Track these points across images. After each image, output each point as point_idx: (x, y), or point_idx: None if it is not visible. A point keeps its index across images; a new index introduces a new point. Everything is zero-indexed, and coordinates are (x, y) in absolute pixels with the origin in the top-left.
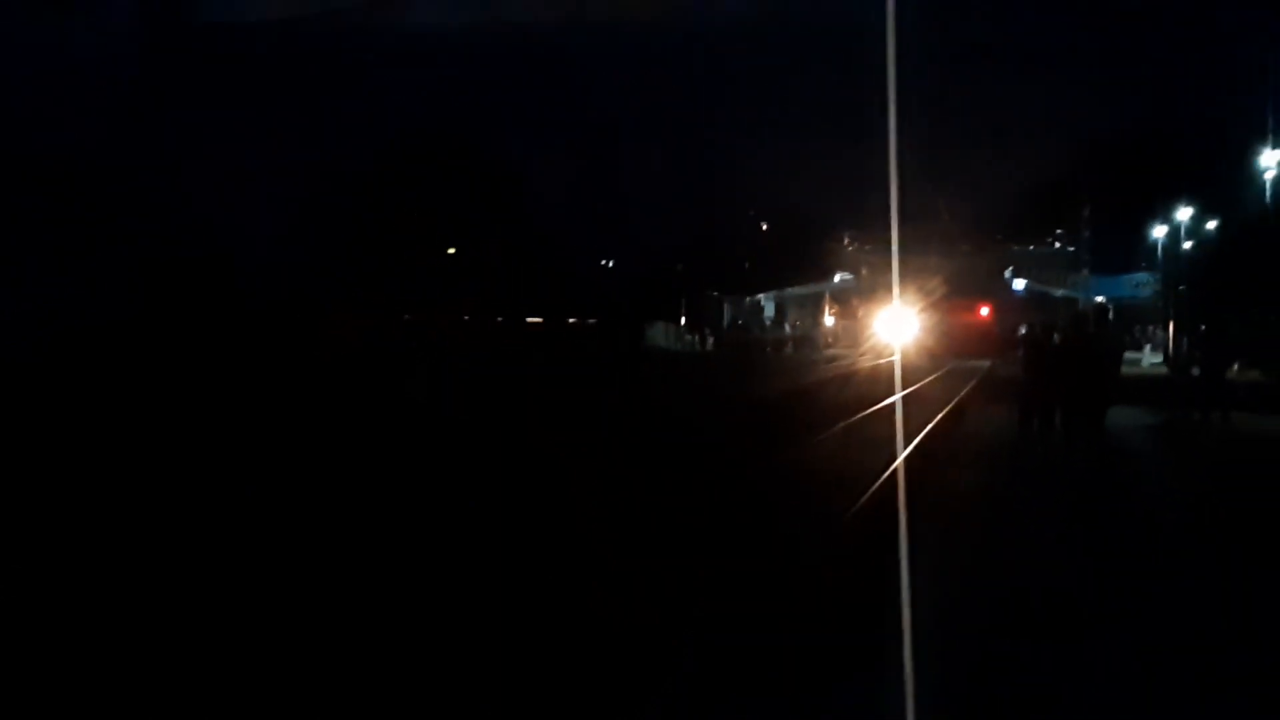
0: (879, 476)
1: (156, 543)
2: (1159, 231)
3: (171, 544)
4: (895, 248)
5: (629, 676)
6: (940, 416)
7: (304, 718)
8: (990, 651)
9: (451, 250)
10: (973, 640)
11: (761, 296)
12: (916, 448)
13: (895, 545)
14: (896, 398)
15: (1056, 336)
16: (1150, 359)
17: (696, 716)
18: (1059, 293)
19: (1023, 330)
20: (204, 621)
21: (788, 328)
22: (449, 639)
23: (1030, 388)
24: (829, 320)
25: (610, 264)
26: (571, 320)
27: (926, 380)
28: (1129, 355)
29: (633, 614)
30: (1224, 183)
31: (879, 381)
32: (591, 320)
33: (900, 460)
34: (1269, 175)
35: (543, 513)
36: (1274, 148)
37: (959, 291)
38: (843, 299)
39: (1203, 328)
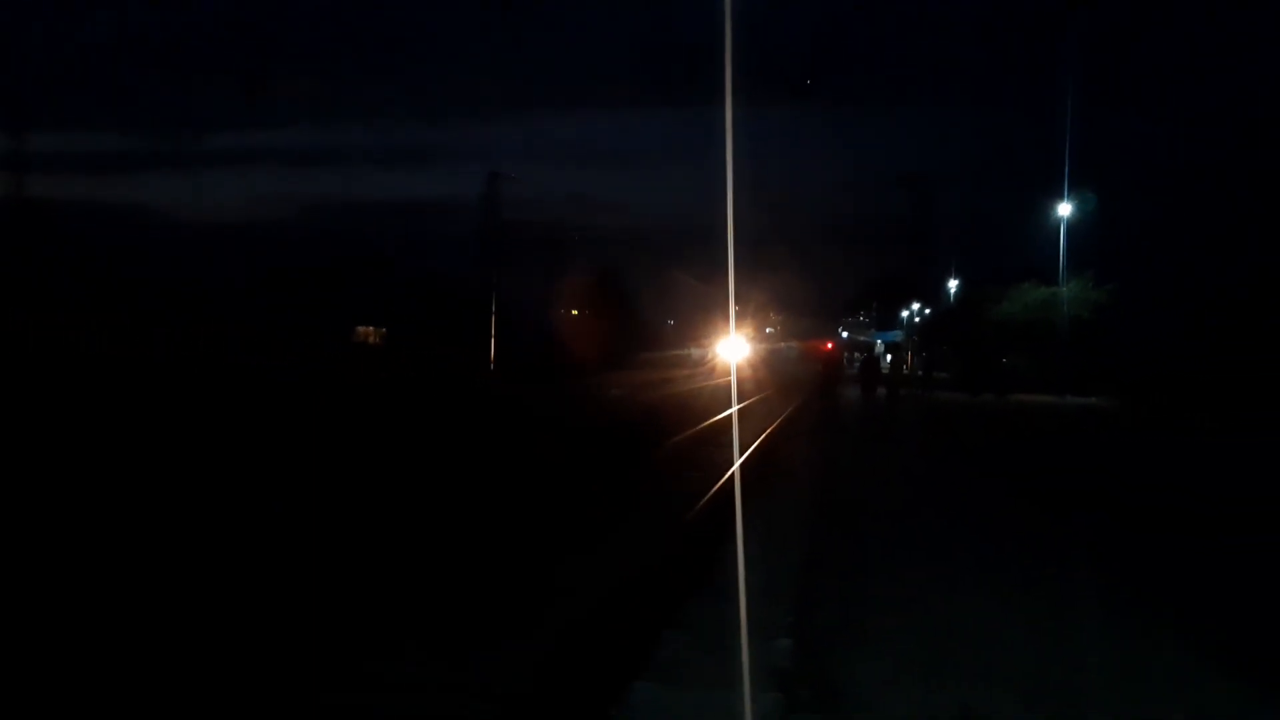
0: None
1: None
2: (905, 313)
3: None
4: (733, 325)
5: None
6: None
7: None
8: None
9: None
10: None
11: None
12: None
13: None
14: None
15: (866, 356)
16: None
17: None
18: (862, 338)
19: (859, 354)
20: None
21: None
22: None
23: (863, 377)
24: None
25: (671, 323)
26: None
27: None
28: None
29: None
30: (933, 294)
31: (786, 364)
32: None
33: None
34: (952, 291)
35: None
36: (953, 280)
37: (820, 336)
38: (774, 339)
39: (923, 354)
